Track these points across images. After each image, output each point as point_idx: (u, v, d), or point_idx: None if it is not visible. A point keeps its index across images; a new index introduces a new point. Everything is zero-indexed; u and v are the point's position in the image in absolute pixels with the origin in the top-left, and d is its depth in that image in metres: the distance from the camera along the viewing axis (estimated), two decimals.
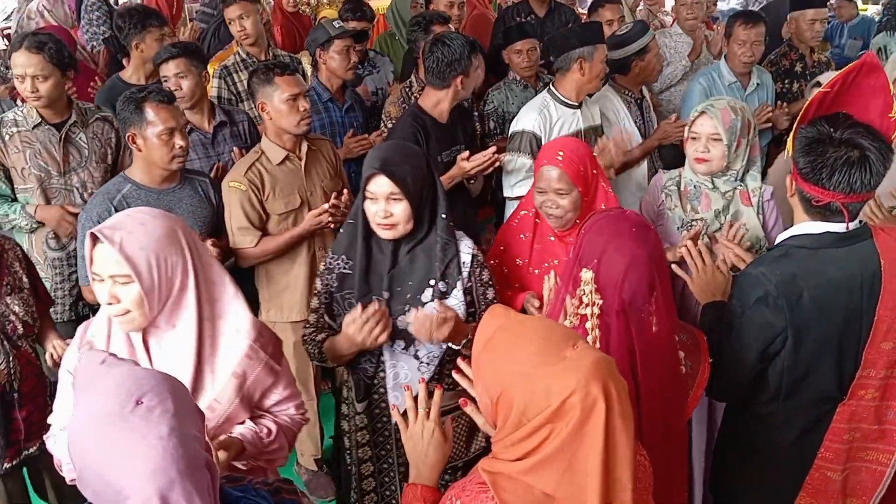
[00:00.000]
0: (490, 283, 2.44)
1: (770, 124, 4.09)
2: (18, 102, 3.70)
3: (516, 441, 1.39)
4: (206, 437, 1.28)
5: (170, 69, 3.40)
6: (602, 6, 4.66)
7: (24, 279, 2.58)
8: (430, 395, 1.81)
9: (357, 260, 2.35)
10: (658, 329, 1.88)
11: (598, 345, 1.87)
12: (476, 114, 4.05)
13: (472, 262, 2.40)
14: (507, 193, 3.54)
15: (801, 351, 2.04)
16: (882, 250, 2.03)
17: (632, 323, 1.86)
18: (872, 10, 8.60)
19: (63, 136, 3.25)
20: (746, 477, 2.26)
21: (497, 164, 3.27)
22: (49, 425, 2.08)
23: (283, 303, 3.17)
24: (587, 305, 1.87)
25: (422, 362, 2.40)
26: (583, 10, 6.15)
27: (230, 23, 4.22)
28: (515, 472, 1.39)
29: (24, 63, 3.11)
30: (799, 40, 4.53)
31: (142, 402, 1.16)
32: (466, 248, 2.40)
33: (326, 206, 2.98)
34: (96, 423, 1.16)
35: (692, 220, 2.79)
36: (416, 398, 1.80)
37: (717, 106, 2.73)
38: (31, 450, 2.59)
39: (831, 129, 1.98)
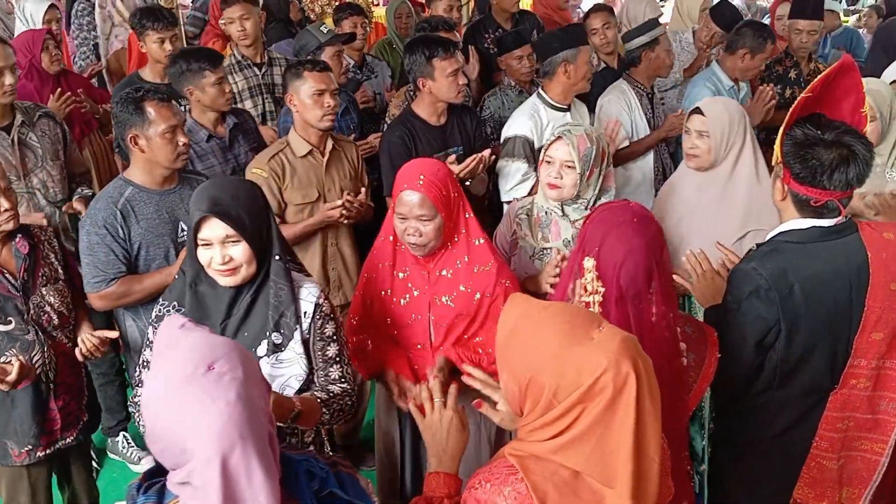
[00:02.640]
0: (333, 338, 2.16)
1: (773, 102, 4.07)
2: None
3: (547, 423, 1.41)
4: (271, 410, 1.32)
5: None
6: (589, 16, 4.78)
7: (60, 270, 2.60)
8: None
9: (187, 311, 2.08)
10: (657, 319, 1.90)
11: None
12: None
13: (314, 311, 2.12)
14: (503, 198, 3.58)
15: (794, 343, 2.10)
16: (868, 243, 2.10)
17: (630, 311, 1.88)
18: (853, 21, 8.76)
19: (14, 139, 3.19)
20: (742, 468, 2.30)
21: (483, 163, 3.30)
22: (86, 416, 2.16)
23: None
24: (590, 293, 1.90)
25: None
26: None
27: (229, 23, 4.22)
28: (544, 452, 1.42)
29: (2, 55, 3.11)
30: (796, 50, 4.65)
31: (213, 368, 1.22)
32: (309, 295, 2.12)
33: (340, 201, 3.07)
34: (170, 383, 1.22)
35: (543, 249, 2.74)
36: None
37: (574, 132, 2.67)
38: (68, 440, 2.60)
39: (818, 132, 2.04)
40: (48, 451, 2.56)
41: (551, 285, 2.56)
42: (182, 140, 2.74)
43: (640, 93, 3.95)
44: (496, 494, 1.43)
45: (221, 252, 1.98)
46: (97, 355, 2.60)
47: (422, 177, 2.31)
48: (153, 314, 2.19)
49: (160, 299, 2.19)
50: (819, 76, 2.17)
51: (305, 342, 2.11)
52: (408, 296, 2.47)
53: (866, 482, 2.23)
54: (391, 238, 2.47)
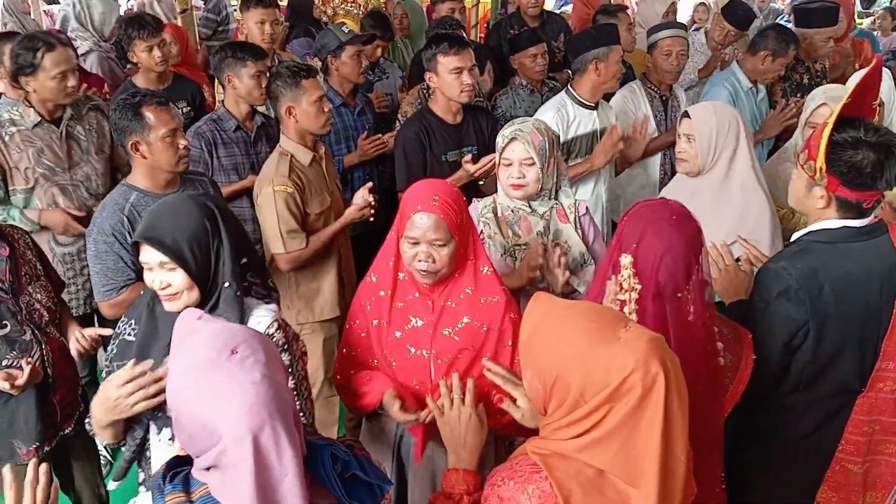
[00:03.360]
0: (288, 370, 1.99)
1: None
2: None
3: (573, 421, 1.40)
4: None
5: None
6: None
7: (39, 266, 2.57)
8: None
9: (141, 327, 2.04)
10: (693, 318, 1.88)
11: None
12: None
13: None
14: None
15: (823, 344, 2.06)
16: None
17: (668, 308, 1.85)
18: (867, 23, 8.74)
19: (63, 132, 3.23)
20: (765, 471, 2.27)
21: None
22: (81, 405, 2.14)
23: (315, 303, 3.20)
24: (626, 291, 1.87)
25: None
26: None
27: (254, 26, 4.19)
28: (569, 451, 1.41)
29: (68, 58, 3.15)
30: (809, 55, 4.59)
31: (236, 352, 1.26)
32: (259, 325, 1.98)
33: (370, 199, 3.13)
34: (194, 368, 1.25)
35: (515, 246, 2.71)
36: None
37: (525, 129, 2.65)
38: (67, 430, 2.57)
39: (860, 135, 2.01)
40: (53, 445, 2.54)
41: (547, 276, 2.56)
42: (182, 143, 2.71)
43: (652, 94, 3.94)
44: (520, 492, 1.41)
45: (160, 277, 1.93)
46: (92, 353, 2.62)
47: (436, 197, 2.09)
48: (114, 331, 2.13)
49: (123, 316, 2.14)
50: (855, 81, 2.13)
51: None
52: (407, 327, 2.22)
53: (890, 487, 2.19)
54: (391, 263, 2.22)
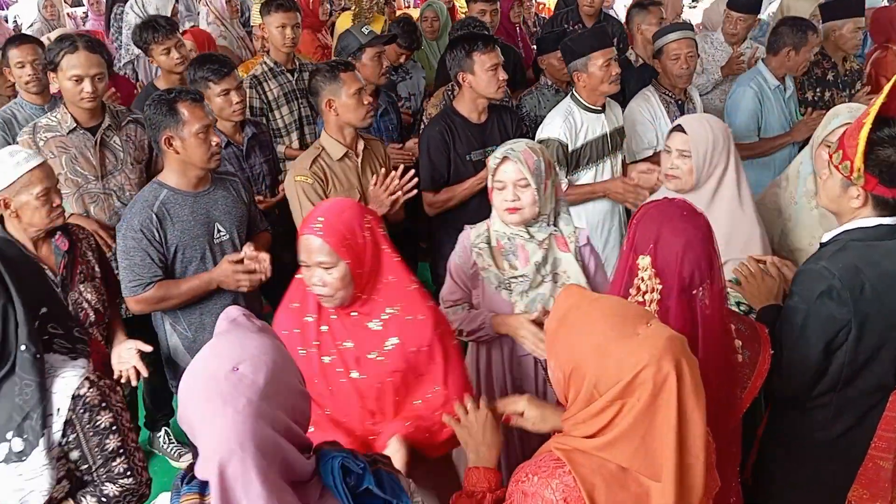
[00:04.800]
0: (112, 428, 1.86)
1: None
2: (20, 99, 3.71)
3: (588, 417, 1.43)
4: (293, 422, 1.31)
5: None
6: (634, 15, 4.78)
7: (97, 268, 2.63)
8: None
9: None
10: (710, 312, 1.88)
11: None
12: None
13: (73, 407, 1.79)
14: None
15: (863, 343, 2.05)
16: None
17: (695, 303, 1.86)
18: None
19: (98, 140, 3.24)
20: (794, 470, 2.25)
21: None
22: None
23: None
24: (645, 292, 1.87)
25: None
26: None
27: (275, 29, 4.20)
28: (590, 449, 1.43)
29: (84, 63, 3.14)
30: (837, 49, 4.52)
31: (237, 369, 1.23)
32: (66, 387, 1.79)
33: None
34: (198, 377, 1.26)
35: (511, 279, 2.49)
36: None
37: (518, 149, 2.45)
38: None
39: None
40: None
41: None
42: (215, 140, 2.76)
43: (667, 100, 3.87)
44: (543, 487, 1.43)
45: None
46: (133, 383, 2.61)
47: (321, 219, 2.06)
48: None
49: None
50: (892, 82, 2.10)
51: (67, 447, 1.81)
52: (333, 351, 2.13)
53: None
54: None
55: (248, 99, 4.05)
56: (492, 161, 2.49)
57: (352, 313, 2.12)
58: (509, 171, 2.43)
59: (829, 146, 2.55)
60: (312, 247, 2.05)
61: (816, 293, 2.05)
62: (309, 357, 2.13)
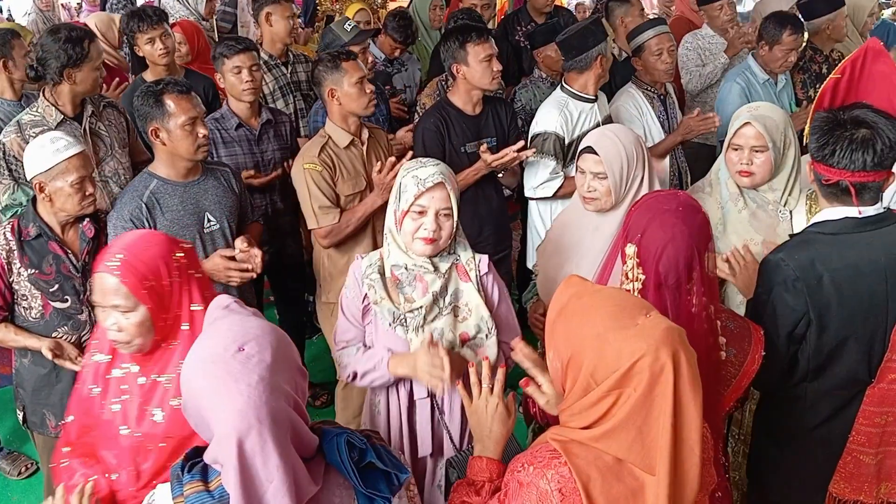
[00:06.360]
0: None
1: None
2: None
3: (585, 407, 1.43)
4: (300, 396, 1.35)
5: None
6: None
7: None
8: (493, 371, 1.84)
9: None
10: (696, 310, 1.87)
11: None
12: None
13: None
14: (527, 193, 3.58)
15: (826, 334, 2.07)
16: None
17: (669, 299, 1.85)
18: (888, 13, 8.63)
19: (86, 129, 3.23)
20: (778, 461, 2.28)
21: (521, 158, 3.31)
22: None
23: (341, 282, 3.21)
24: (631, 281, 1.88)
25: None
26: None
27: (273, 21, 4.16)
28: (586, 440, 1.43)
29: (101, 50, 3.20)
30: (830, 41, 4.55)
31: (243, 349, 1.27)
32: None
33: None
34: (203, 361, 1.28)
35: (407, 313, 2.24)
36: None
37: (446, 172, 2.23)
38: None
39: (840, 112, 2.04)
40: None
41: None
42: (202, 132, 2.77)
43: (650, 95, 3.85)
44: (539, 477, 1.42)
45: None
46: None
47: (118, 256, 1.82)
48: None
49: None
50: (846, 59, 2.13)
51: None
52: (117, 400, 1.90)
53: None
54: None
55: None
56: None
57: (147, 363, 1.88)
58: (435, 197, 2.16)
59: (737, 148, 2.58)
60: (107, 287, 1.81)
61: (774, 284, 2.09)
62: (91, 400, 1.92)
